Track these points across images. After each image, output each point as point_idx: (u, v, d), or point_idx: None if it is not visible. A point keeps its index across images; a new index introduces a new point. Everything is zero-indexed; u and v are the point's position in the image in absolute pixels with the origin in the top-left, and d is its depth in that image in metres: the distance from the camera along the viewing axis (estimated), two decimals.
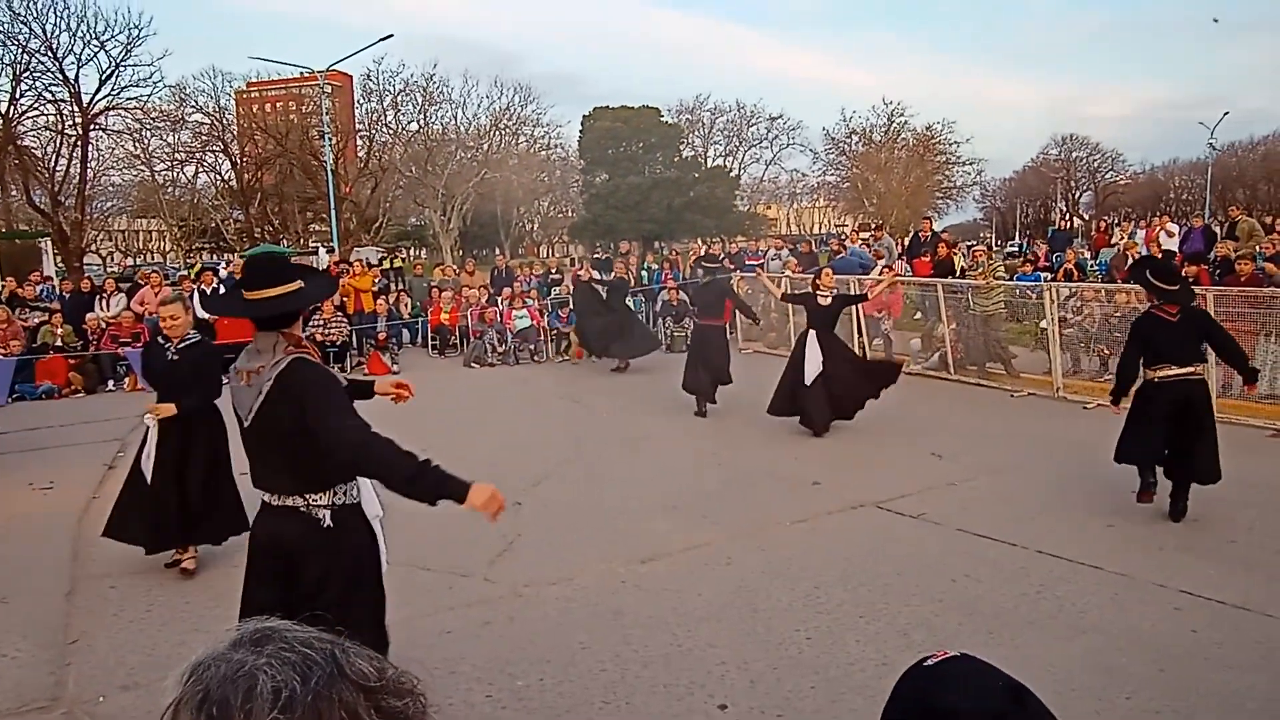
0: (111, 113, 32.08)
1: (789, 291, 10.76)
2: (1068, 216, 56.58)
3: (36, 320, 13.40)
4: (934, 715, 0.95)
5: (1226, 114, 48.75)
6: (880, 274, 12.99)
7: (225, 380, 3.43)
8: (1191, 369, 5.71)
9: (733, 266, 14.88)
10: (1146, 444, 5.77)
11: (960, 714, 0.94)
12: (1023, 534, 5.46)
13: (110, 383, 12.83)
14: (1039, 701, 0.96)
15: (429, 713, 0.81)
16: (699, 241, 36.34)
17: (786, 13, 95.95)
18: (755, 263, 16.93)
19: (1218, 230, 16.02)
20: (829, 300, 8.51)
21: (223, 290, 14.22)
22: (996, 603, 4.52)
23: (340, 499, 2.91)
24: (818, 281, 8.67)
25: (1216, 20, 74.22)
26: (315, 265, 20.74)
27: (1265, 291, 8.76)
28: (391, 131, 40.93)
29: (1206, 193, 49.54)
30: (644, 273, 17.58)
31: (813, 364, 8.16)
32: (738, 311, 10.78)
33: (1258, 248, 12.42)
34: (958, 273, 12.75)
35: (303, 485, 2.86)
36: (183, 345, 5.19)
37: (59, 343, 12.87)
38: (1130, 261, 13.55)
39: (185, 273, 20.22)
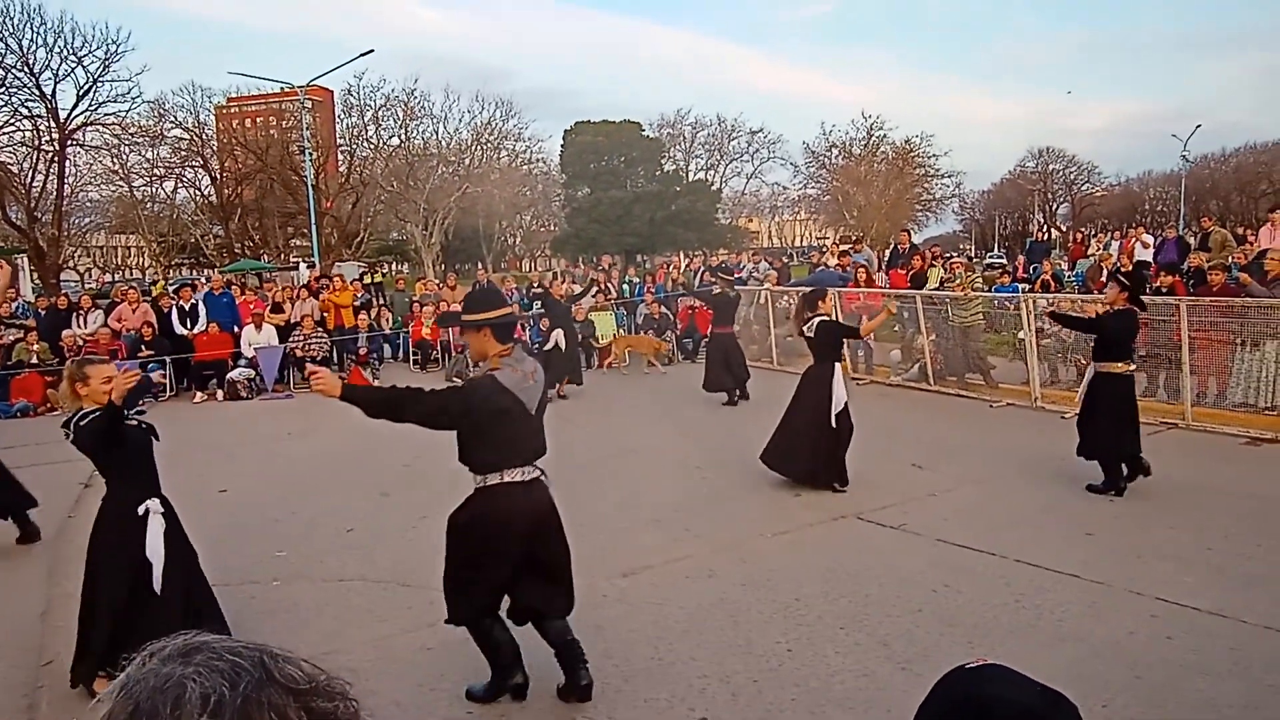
0: (89, 128, 31.97)
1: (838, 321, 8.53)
2: (1045, 228, 57.21)
3: (11, 337, 13.27)
4: (973, 703, 1.03)
5: (1199, 127, 49.77)
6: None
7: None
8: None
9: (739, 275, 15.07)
10: (1118, 438, 6.53)
11: (998, 701, 1.02)
12: (1002, 544, 5.50)
13: None
14: (1074, 708, 1.03)
15: (360, 715, 0.81)
16: (680, 255, 36.45)
17: (767, 28, 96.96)
18: (736, 275, 17.03)
19: (1191, 241, 16.23)
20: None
21: (201, 306, 14.15)
22: (976, 612, 4.54)
23: None
24: (822, 305, 7.22)
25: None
26: (295, 280, 20.69)
27: (1237, 301, 8.88)
28: (372, 146, 40.95)
29: (1181, 204, 50.28)
30: (625, 286, 17.62)
31: (839, 400, 6.85)
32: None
33: (1230, 258, 12.61)
34: (934, 284, 12.85)
35: (545, 451, 3.79)
36: (134, 411, 4.31)
37: (34, 359, 12.74)
38: (1106, 273, 13.74)
39: (162, 289, 20.02)
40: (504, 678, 3.80)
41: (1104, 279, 13.41)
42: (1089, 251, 18.99)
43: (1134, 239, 16.55)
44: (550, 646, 3.81)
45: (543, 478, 3.73)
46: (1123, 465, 6.50)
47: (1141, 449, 6.56)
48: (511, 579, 3.69)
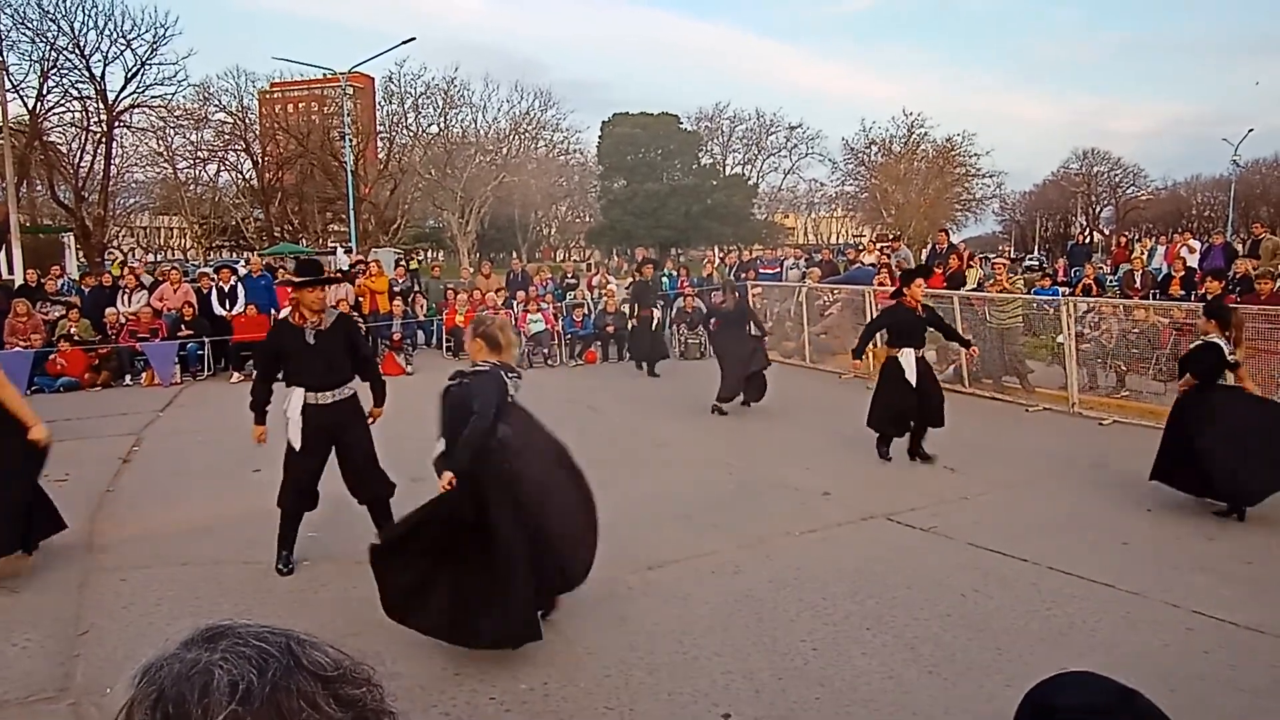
0: (136, 110, 32.60)
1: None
2: (1087, 231, 56.26)
3: (56, 314, 13.54)
4: (1042, 711, 1.07)
5: (1251, 130, 48.05)
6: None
7: None
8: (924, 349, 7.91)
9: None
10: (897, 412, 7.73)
11: (1064, 709, 1.04)
12: (1035, 549, 5.41)
13: (128, 377, 12.95)
14: (1149, 702, 1.05)
15: (387, 701, 0.80)
16: (714, 249, 36.33)
17: (809, 23, 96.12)
18: (770, 271, 16.93)
19: (1239, 248, 15.85)
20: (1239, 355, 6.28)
21: (240, 288, 14.33)
22: (1006, 619, 4.48)
23: None
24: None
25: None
26: (333, 265, 20.91)
27: None
28: (411, 134, 41.26)
29: (1229, 209, 49.05)
30: (664, 279, 17.53)
31: None
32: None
33: None
34: (972, 285, 12.68)
35: None
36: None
37: (76, 336, 12.99)
38: (1138, 279, 13.48)
39: (207, 270, 20.30)
40: None
41: (1137, 285, 13.21)
42: (1133, 256, 18.63)
43: (1179, 244, 16.21)
44: None
45: None
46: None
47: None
48: None
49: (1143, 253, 18.25)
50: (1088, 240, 46.51)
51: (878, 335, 9.06)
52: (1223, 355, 6.16)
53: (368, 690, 0.80)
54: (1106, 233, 55.18)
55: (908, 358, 7.68)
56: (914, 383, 7.63)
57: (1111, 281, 16.74)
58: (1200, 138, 79.82)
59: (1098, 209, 64.54)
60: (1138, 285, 13.23)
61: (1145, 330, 10.21)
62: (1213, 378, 6.25)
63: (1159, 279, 13.46)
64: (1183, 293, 11.72)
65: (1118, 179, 63.97)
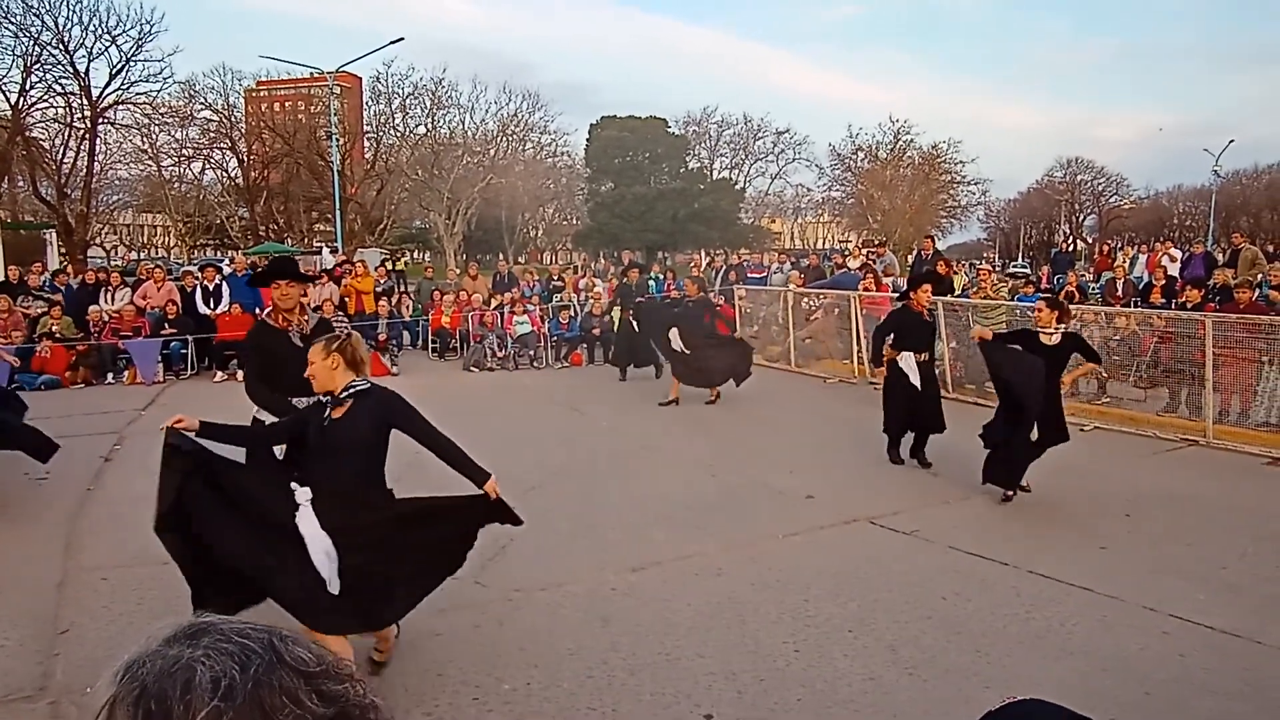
0: (120, 107, 32.39)
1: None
2: (1071, 239, 56.67)
3: (38, 310, 13.41)
4: None
5: (1232, 141, 48.66)
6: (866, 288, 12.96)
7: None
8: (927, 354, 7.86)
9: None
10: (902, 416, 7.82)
11: None
12: (1014, 554, 5.47)
13: (110, 375, 12.84)
14: None
15: (370, 696, 0.81)
16: (701, 253, 36.42)
17: (796, 29, 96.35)
18: (757, 275, 16.98)
19: (1220, 257, 16.04)
20: (1056, 340, 6.68)
21: (225, 287, 14.25)
22: (985, 621, 4.52)
23: None
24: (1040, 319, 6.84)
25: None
26: (318, 265, 20.83)
27: (1265, 319, 8.77)
28: (399, 134, 41.17)
29: (1210, 219, 49.60)
30: (650, 282, 17.55)
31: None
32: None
33: (1261, 276, 12.46)
34: (956, 291, 12.78)
35: None
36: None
37: (57, 334, 12.87)
38: (1120, 287, 13.62)
39: (191, 268, 20.17)
40: None
41: (1119, 292, 13.36)
42: (1115, 264, 18.80)
43: (1161, 253, 16.37)
44: None
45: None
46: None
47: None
48: None
49: (1125, 261, 18.36)
50: (1071, 248, 46.87)
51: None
52: (1036, 340, 6.75)
53: (350, 685, 0.80)
54: (1089, 241, 55.73)
55: (908, 361, 7.72)
56: (918, 385, 7.67)
57: (1094, 289, 16.87)
58: (1183, 148, 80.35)
59: (1081, 217, 65.07)
60: (1119, 293, 13.36)
61: (1126, 338, 10.32)
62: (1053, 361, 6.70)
63: (1140, 287, 13.59)
64: (1163, 301, 11.85)
65: (1101, 188, 64.54)
